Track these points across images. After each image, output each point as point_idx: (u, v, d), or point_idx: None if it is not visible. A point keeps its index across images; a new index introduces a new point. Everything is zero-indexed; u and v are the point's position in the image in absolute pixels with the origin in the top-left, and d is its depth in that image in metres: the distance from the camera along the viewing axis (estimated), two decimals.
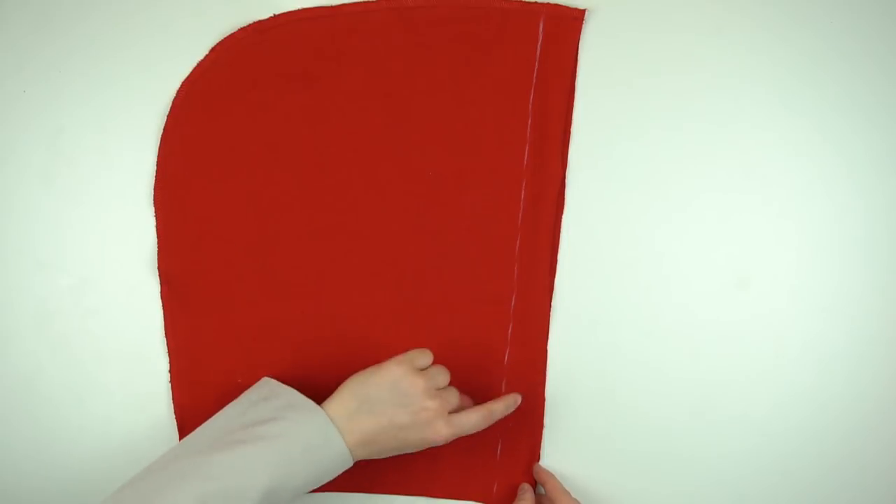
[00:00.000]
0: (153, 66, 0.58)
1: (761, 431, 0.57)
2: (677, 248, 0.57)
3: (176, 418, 0.58)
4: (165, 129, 0.58)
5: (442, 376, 0.52)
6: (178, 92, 0.58)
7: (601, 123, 0.57)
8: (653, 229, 0.57)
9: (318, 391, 0.58)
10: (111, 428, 0.59)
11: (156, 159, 0.58)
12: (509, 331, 0.58)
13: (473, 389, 0.57)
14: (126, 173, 0.59)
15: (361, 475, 0.57)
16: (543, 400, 0.58)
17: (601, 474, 0.57)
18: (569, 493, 0.54)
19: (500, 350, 0.58)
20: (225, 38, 0.58)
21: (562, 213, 0.58)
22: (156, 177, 0.58)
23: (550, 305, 0.58)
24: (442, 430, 0.50)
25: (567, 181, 0.57)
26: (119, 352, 0.59)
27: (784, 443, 0.57)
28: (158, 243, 0.58)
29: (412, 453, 0.52)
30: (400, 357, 0.52)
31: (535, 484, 0.58)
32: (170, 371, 0.58)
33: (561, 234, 0.58)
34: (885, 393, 0.56)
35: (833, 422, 0.57)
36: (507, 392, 0.57)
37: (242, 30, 0.58)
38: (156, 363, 0.59)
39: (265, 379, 0.55)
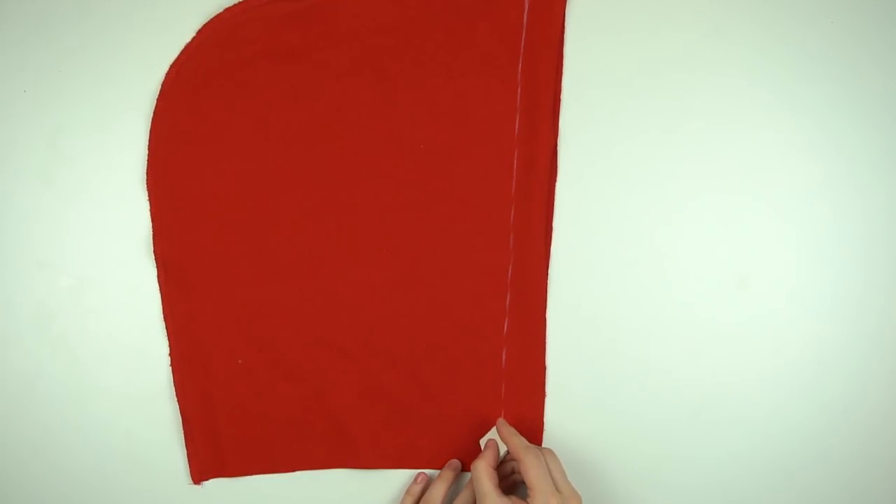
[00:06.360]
0: (154, 65, 0.58)
1: (761, 431, 0.57)
2: (677, 247, 0.57)
3: (178, 401, 0.58)
4: (156, 112, 0.58)
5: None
6: (167, 74, 0.58)
7: (592, 118, 0.57)
8: (652, 229, 0.57)
9: (319, 366, 0.58)
10: (112, 428, 0.59)
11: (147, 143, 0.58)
12: (507, 300, 0.58)
13: (474, 360, 0.57)
14: (126, 173, 0.59)
15: (367, 451, 0.58)
16: (545, 368, 0.58)
17: (600, 474, 0.57)
18: (527, 446, 0.53)
19: (499, 319, 0.58)
20: (212, 19, 0.58)
21: (555, 180, 0.58)
22: (148, 160, 0.58)
23: (548, 273, 0.58)
24: None
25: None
26: (119, 352, 0.59)
27: (784, 443, 0.57)
28: (153, 227, 0.58)
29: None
30: None
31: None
32: (170, 355, 0.58)
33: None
34: (885, 393, 0.56)
35: (833, 422, 0.57)
36: (507, 357, 0.57)
37: (228, 10, 0.58)
38: (157, 363, 0.59)
39: None
